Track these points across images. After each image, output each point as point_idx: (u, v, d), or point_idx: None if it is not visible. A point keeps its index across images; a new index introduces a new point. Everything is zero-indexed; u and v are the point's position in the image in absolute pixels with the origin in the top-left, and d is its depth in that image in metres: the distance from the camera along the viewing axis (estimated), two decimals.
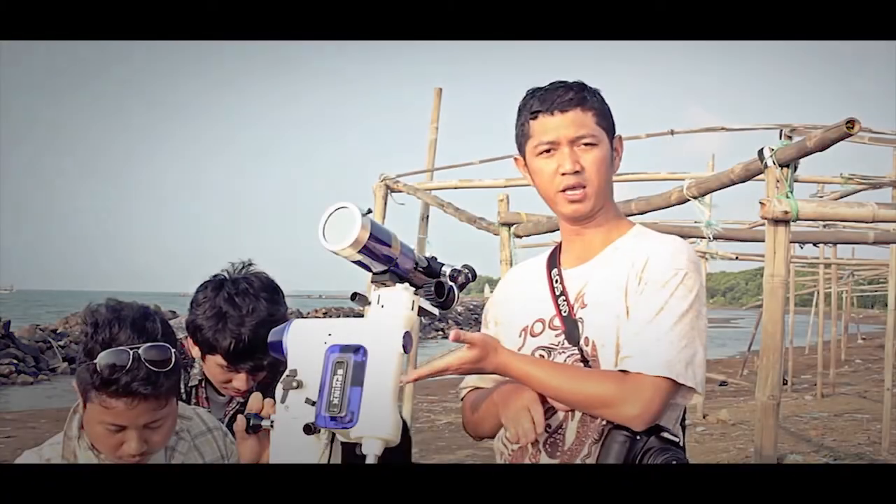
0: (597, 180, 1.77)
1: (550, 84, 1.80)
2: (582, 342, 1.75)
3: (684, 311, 1.69)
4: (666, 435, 1.67)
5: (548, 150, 1.76)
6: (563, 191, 1.77)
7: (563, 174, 1.75)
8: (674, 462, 1.62)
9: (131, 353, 1.55)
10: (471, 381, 1.94)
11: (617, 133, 1.83)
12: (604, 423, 1.71)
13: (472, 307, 43.87)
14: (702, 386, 1.71)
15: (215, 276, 2.10)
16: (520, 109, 1.83)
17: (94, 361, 1.53)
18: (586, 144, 1.75)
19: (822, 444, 8.48)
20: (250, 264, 2.13)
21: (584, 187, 1.76)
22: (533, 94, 1.80)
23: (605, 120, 1.79)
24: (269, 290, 2.08)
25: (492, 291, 2.07)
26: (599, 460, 1.67)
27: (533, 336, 1.83)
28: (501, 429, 1.83)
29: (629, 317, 1.71)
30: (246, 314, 2.01)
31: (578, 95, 1.76)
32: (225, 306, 2.01)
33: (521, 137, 1.82)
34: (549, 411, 1.75)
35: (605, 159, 1.78)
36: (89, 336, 1.58)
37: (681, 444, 1.71)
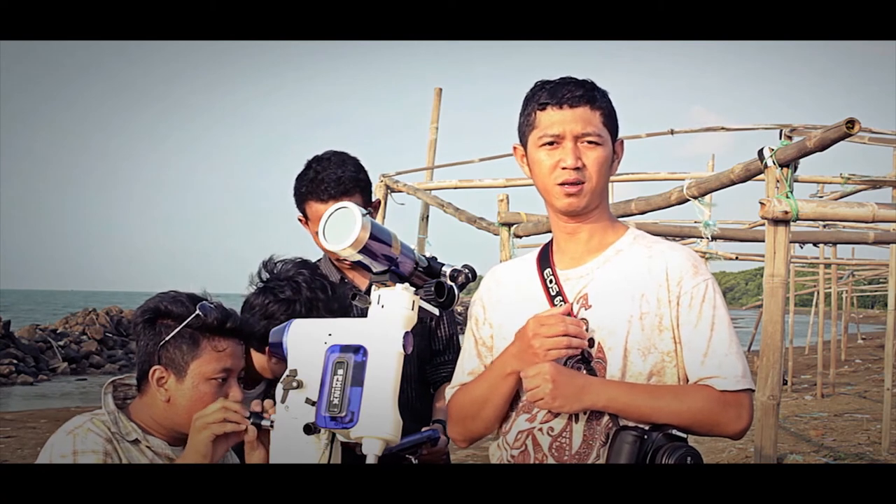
0: (596, 178, 1.78)
1: (561, 78, 1.81)
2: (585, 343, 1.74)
3: (728, 320, 1.78)
4: (672, 432, 1.68)
5: (551, 143, 1.77)
6: (562, 184, 1.77)
7: (564, 168, 1.76)
8: (688, 458, 1.63)
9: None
10: (461, 380, 1.93)
11: (619, 137, 1.84)
12: (610, 424, 1.71)
13: None
14: None
15: (264, 283, 2.21)
16: (527, 99, 1.83)
17: (204, 313, 1.76)
18: (590, 142, 1.76)
19: (822, 444, 8.46)
20: (278, 261, 2.23)
21: (582, 183, 1.77)
22: (542, 86, 1.81)
23: (611, 121, 1.81)
24: (304, 266, 2.22)
25: None
26: (610, 461, 1.66)
27: None
28: (500, 437, 1.83)
29: (681, 332, 1.75)
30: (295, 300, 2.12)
31: (589, 93, 1.78)
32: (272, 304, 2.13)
33: (526, 127, 1.82)
34: (551, 412, 1.75)
35: (607, 160, 1.79)
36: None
37: (686, 440, 1.72)
